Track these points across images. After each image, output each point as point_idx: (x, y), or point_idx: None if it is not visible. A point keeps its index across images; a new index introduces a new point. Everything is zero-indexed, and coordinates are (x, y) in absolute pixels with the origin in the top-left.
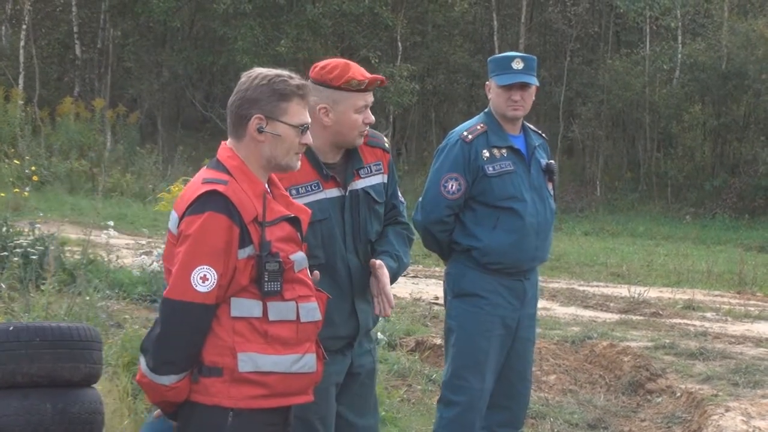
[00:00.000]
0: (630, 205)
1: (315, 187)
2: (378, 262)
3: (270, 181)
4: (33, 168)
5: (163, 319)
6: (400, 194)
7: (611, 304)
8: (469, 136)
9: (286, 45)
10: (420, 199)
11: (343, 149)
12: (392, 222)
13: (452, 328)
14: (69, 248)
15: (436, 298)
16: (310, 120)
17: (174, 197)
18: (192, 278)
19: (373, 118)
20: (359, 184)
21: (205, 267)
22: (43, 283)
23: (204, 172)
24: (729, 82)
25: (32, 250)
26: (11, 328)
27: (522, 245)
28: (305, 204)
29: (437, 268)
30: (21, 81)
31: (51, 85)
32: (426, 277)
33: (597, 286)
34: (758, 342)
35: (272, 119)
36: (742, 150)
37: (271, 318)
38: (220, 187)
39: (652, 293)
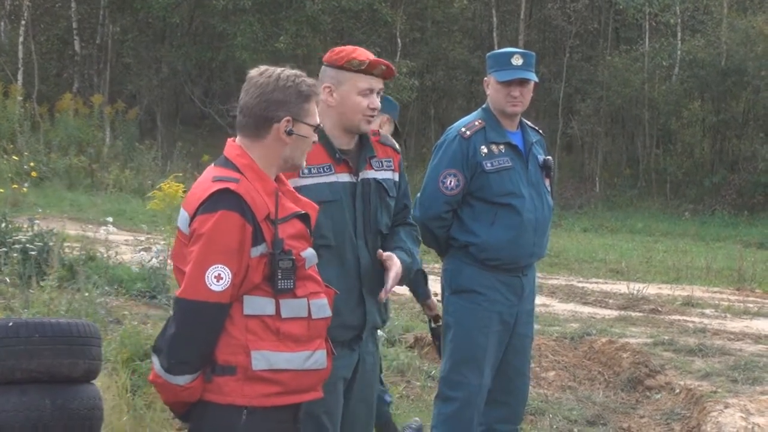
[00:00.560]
0: (629, 202)
1: (327, 169)
2: (387, 253)
3: (277, 178)
4: (32, 164)
5: (177, 319)
6: (409, 196)
7: (610, 301)
8: (468, 132)
9: (285, 41)
10: (418, 195)
11: (355, 137)
12: (402, 222)
13: (450, 324)
14: (68, 244)
15: (435, 294)
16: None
17: (166, 195)
18: (206, 278)
19: (378, 103)
20: (371, 174)
21: (219, 266)
22: (43, 279)
23: (213, 170)
24: (728, 79)
25: (31, 246)
26: (10, 324)
27: (520, 241)
28: (316, 184)
29: (436, 265)
30: (20, 77)
31: (50, 80)
32: None
33: (596, 282)
34: (757, 338)
35: (298, 121)
36: (741, 146)
37: (283, 315)
38: (232, 185)
39: (651, 290)
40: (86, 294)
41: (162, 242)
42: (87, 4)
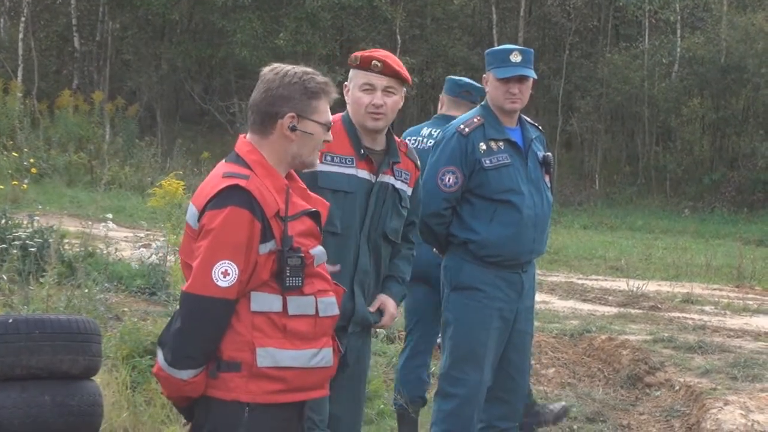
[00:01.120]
0: (629, 199)
1: (349, 161)
2: (384, 297)
3: (288, 175)
4: (32, 160)
5: (183, 314)
6: (419, 214)
7: (610, 298)
8: (466, 129)
9: (285, 38)
10: None
11: (381, 137)
12: (404, 239)
13: (450, 321)
14: (68, 241)
15: None
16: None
17: (166, 192)
18: (213, 273)
19: (379, 101)
20: (390, 179)
21: (227, 262)
22: (43, 276)
23: (224, 166)
24: (728, 76)
25: (31, 243)
26: (10, 321)
27: (519, 238)
28: (336, 173)
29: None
30: (20, 73)
31: (50, 77)
32: None
33: (596, 279)
34: (757, 336)
35: (303, 118)
36: (741, 144)
37: (290, 312)
38: (242, 182)
39: (651, 287)
40: (86, 290)
41: (161, 239)
42: (86, 1)
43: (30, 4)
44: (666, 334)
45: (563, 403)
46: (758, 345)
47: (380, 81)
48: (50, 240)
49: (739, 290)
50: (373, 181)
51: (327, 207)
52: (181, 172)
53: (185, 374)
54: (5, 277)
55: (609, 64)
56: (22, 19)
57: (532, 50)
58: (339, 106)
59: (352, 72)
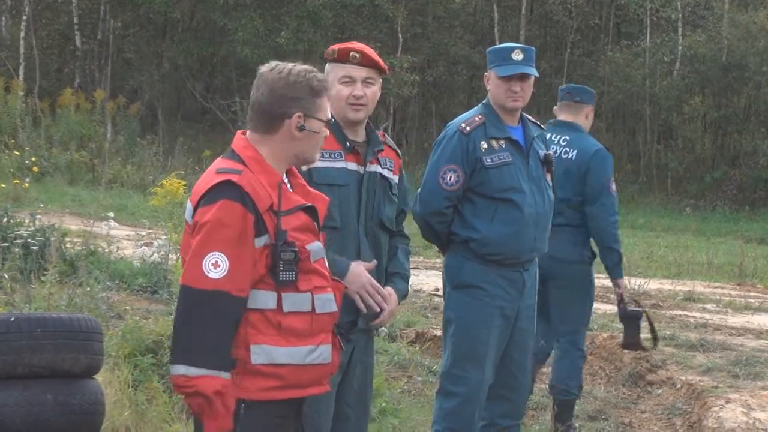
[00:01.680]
0: (630, 197)
1: (338, 155)
2: (389, 289)
3: (289, 171)
4: (33, 159)
5: (178, 306)
6: (408, 203)
7: (611, 296)
8: (467, 128)
9: (287, 36)
10: (419, 190)
11: (362, 130)
12: (398, 234)
13: (451, 320)
14: (70, 239)
15: (437, 289)
16: None
17: (167, 192)
18: (204, 265)
19: (359, 92)
20: (378, 168)
21: (217, 253)
22: (44, 274)
23: (218, 163)
24: (729, 74)
25: (33, 241)
26: (12, 319)
27: (520, 236)
28: (328, 168)
29: (437, 260)
30: (21, 72)
31: (51, 76)
32: (426, 269)
33: (597, 277)
34: (758, 334)
35: (310, 116)
36: (743, 142)
37: (285, 309)
38: (233, 177)
39: (653, 285)
40: (88, 289)
41: (163, 237)
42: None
43: (31, 3)
44: (667, 332)
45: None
46: (760, 343)
47: (359, 72)
48: (52, 238)
49: (741, 288)
50: (362, 172)
51: (327, 202)
52: (182, 171)
53: (181, 369)
54: (7, 276)
55: (610, 63)
56: (24, 17)
57: (533, 48)
58: None
59: (329, 66)
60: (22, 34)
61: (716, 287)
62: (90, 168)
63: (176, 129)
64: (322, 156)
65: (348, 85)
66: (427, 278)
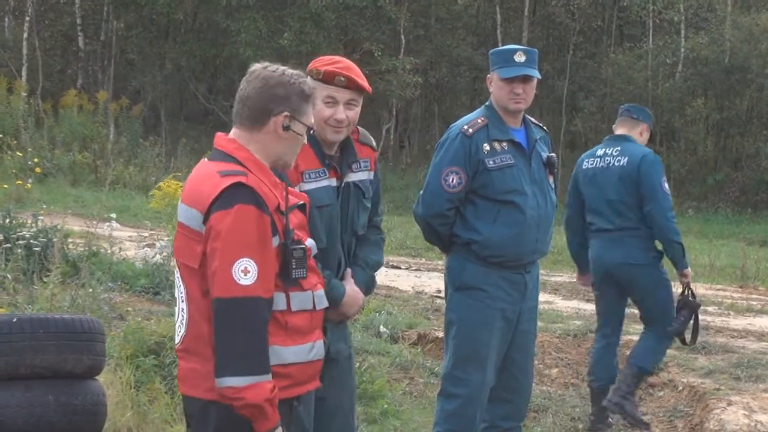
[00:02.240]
0: None
1: (322, 174)
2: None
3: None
4: (36, 160)
5: (216, 320)
6: (380, 194)
7: None
8: (470, 130)
9: (289, 38)
10: (421, 192)
11: (337, 143)
12: (371, 225)
13: (452, 321)
14: (72, 240)
15: (439, 291)
16: None
17: (166, 194)
18: (234, 273)
19: (341, 116)
20: (351, 177)
21: (245, 259)
22: (47, 275)
23: (214, 165)
24: (732, 77)
25: (35, 242)
26: (15, 320)
27: (522, 238)
28: (317, 189)
29: (439, 262)
30: (24, 73)
31: (54, 77)
32: (428, 271)
33: None
34: (760, 336)
35: (296, 119)
36: (745, 144)
37: (293, 309)
38: (243, 179)
39: None
40: (90, 290)
41: (165, 238)
42: (91, 1)
43: (34, 4)
44: None
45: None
46: (761, 345)
47: (343, 95)
48: (54, 239)
49: (743, 291)
50: (340, 186)
51: (307, 200)
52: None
53: (228, 381)
54: (10, 277)
55: (613, 65)
56: (27, 18)
57: (536, 50)
58: None
59: (314, 83)
60: (25, 35)
61: (718, 289)
62: (93, 169)
63: (179, 130)
64: (310, 177)
65: (330, 107)
66: (429, 280)
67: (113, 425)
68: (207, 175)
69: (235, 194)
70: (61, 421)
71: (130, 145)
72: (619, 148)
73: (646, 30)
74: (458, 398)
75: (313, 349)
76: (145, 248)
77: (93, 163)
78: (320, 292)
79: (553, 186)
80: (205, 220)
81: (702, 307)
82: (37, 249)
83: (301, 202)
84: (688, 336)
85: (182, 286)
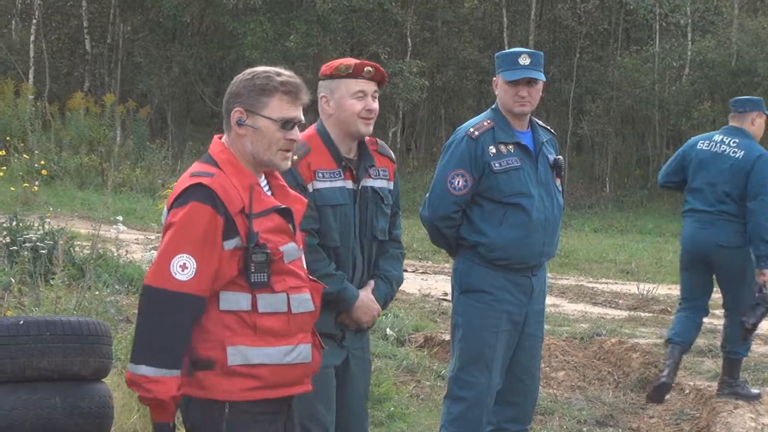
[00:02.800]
0: (639, 202)
1: (337, 175)
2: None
3: (268, 173)
4: (42, 162)
5: (141, 306)
6: (399, 204)
7: (620, 301)
8: (476, 133)
9: (296, 40)
10: (427, 195)
11: (355, 146)
12: (392, 238)
13: (459, 324)
14: (78, 243)
15: (445, 294)
16: (297, 116)
17: None
18: (171, 266)
19: (375, 105)
20: (369, 182)
21: (185, 256)
22: (53, 278)
23: (193, 166)
24: (739, 80)
25: (41, 245)
26: (21, 322)
27: (528, 241)
28: (330, 188)
29: (446, 264)
30: (31, 75)
31: (61, 79)
32: (435, 273)
33: (606, 283)
34: (767, 340)
35: (252, 113)
36: None
37: (260, 310)
38: (205, 180)
39: (661, 290)
40: (96, 293)
41: None
42: (98, 3)
43: (41, 7)
44: None
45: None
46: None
47: (370, 87)
48: (61, 242)
49: None
50: (357, 189)
51: (305, 204)
52: None
53: (143, 369)
54: (16, 279)
55: (619, 68)
56: (34, 21)
57: (541, 53)
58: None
59: (335, 82)
60: (32, 37)
61: None
62: (99, 171)
63: (185, 133)
64: (324, 176)
65: (360, 100)
66: (436, 283)
67: (120, 428)
68: (184, 176)
69: (193, 193)
70: (67, 423)
71: (136, 148)
72: (737, 141)
73: (652, 33)
74: (465, 401)
75: (293, 352)
76: (152, 251)
77: (99, 165)
78: (301, 296)
79: (560, 189)
80: (166, 217)
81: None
82: (43, 251)
83: (281, 206)
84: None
85: None
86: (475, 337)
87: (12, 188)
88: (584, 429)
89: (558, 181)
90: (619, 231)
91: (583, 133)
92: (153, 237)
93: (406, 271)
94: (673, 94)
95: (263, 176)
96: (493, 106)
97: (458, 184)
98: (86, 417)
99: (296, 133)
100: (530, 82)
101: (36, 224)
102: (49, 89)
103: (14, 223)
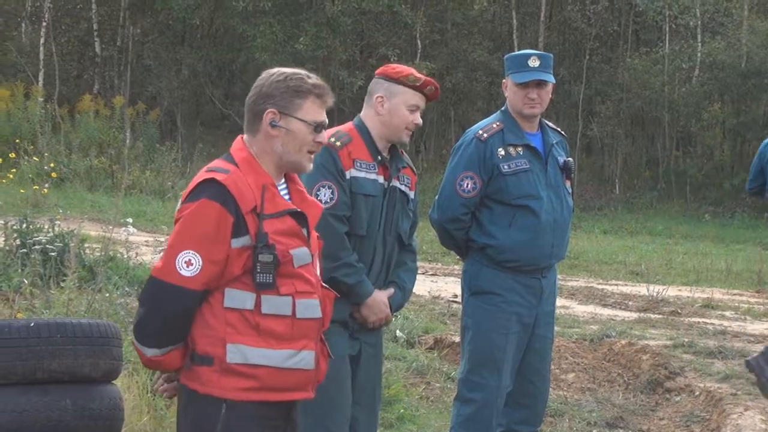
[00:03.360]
0: (649, 204)
1: (372, 168)
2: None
3: (288, 177)
4: (52, 165)
5: (144, 296)
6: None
7: (630, 303)
8: (485, 135)
9: (305, 42)
10: (436, 197)
11: (388, 146)
12: (408, 248)
13: (468, 326)
14: (89, 245)
15: (455, 295)
16: (325, 120)
17: None
18: (177, 261)
19: (420, 121)
20: (397, 184)
21: (191, 252)
22: (63, 280)
23: (213, 162)
24: (748, 81)
25: (51, 247)
26: (32, 324)
27: (537, 243)
28: (365, 178)
29: (456, 266)
30: (41, 78)
31: (71, 82)
32: (445, 275)
33: (616, 284)
34: None
35: (286, 114)
36: None
37: (263, 311)
38: (219, 176)
39: (671, 292)
40: (107, 295)
41: None
42: (107, 6)
43: (51, 9)
44: (686, 339)
45: None
46: None
47: (424, 103)
48: (71, 244)
49: (760, 295)
50: (386, 186)
51: (321, 210)
52: None
53: (149, 351)
54: (27, 281)
55: (629, 69)
56: (44, 24)
57: (551, 55)
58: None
59: (396, 87)
60: (42, 40)
61: (735, 294)
62: (109, 174)
63: (195, 135)
64: (361, 166)
65: (413, 113)
66: (446, 285)
67: (130, 429)
68: (202, 171)
69: (205, 189)
70: (78, 425)
71: (146, 150)
72: None
73: (662, 35)
74: (474, 403)
75: (295, 357)
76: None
77: (109, 168)
78: (308, 301)
79: (569, 191)
80: (177, 211)
81: (719, 312)
82: (53, 254)
83: (296, 209)
84: None
85: None
86: (484, 338)
87: (22, 190)
88: (594, 431)
89: (568, 183)
90: (628, 232)
91: (593, 134)
92: (163, 239)
93: None
94: (682, 96)
95: (283, 179)
96: (502, 108)
97: (467, 186)
98: (96, 419)
99: (324, 136)
100: (540, 84)
101: (46, 226)
102: (59, 92)
103: (24, 226)
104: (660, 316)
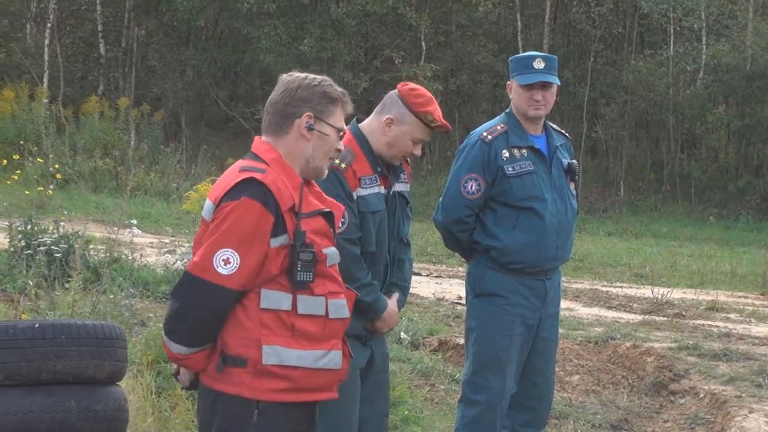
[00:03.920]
0: (653, 206)
1: (375, 181)
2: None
3: (305, 180)
4: (57, 166)
5: (179, 292)
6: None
7: (634, 305)
8: (489, 137)
9: (310, 44)
10: (440, 198)
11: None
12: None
13: (472, 328)
14: (93, 246)
15: (459, 297)
16: (345, 128)
17: (202, 197)
18: (215, 259)
19: (419, 153)
20: (396, 187)
21: (230, 250)
22: (68, 281)
23: (241, 163)
24: (753, 83)
25: (56, 248)
26: (37, 326)
27: (542, 245)
28: (372, 194)
29: (460, 268)
30: (45, 79)
31: (75, 83)
32: (449, 277)
33: (620, 286)
34: None
35: (320, 119)
36: (767, 151)
37: (300, 311)
38: (258, 175)
39: (676, 294)
40: (111, 296)
41: (186, 244)
42: (112, 7)
43: (56, 11)
44: (691, 342)
45: None
46: None
47: (429, 137)
48: (76, 246)
49: (765, 298)
50: (387, 194)
51: (342, 210)
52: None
53: (176, 348)
54: (31, 283)
55: (634, 71)
56: (48, 25)
57: (555, 57)
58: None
59: (410, 116)
60: (47, 41)
61: (740, 297)
62: (114, 175)
63: (200, 136)
64: (365, 183)
65: (416, 145)
66: (450, 287)
67: (135, 431)
68: (230, 171)
69: (245, 188)
70: (83, 426)
71: (151, 152)
72: None
73: (667, 37)
74: (479, 405)
75: (325, 357)
76: (166, 254)
77: (114, 169)
78: (338, 301)
79: (574, 193)
80: (215, 211)
81: (723, 315)
82: (58, 255)
83: (326, 209)
84: None
85: None
86: (489, 340)
87: (27, 192)
88: None
89: (572, 185)
90: (633, 235)
91: (598, 136)
92: (167, 241)
93: (419, 274)
94: (687, 98)
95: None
96: (507, 110)
97: (471, 188)
98: (101, 420)
99: (342, 144)
100: (544, 86)
101: (51, 228)
102: (64, 93)
103: (29, 227)
104: (664, 318)
